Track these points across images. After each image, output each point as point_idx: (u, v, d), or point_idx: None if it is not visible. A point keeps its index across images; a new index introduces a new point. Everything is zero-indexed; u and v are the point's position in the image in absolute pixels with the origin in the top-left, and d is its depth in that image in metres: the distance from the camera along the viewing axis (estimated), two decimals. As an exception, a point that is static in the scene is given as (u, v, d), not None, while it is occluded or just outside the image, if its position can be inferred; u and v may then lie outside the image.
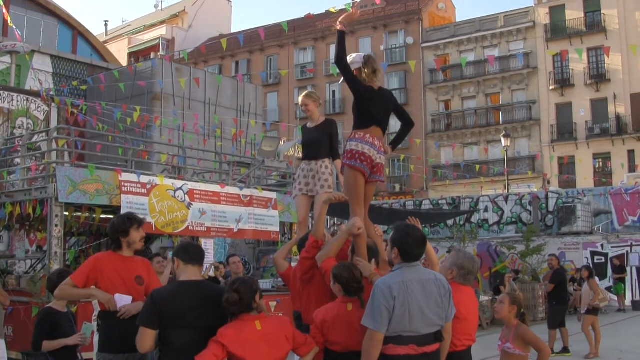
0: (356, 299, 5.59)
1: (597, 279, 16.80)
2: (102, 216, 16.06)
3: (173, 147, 20.40)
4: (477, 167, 36.94)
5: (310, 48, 63.48)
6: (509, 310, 7.08)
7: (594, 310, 16.06)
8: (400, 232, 5.34)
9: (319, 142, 8.63)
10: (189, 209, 15.74)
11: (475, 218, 34.97)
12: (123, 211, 13.52)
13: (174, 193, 15.48)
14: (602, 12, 51.26)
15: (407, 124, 7.40)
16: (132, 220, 6.41)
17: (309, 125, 8.84)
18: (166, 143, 20.32)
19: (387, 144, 7.11)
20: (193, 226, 15.86)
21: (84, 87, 23.03)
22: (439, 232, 35.04)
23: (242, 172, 18.38)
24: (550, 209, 32.96)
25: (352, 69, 6.95)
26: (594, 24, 51.49)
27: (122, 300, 6.07)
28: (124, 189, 14.39)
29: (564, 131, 52.29)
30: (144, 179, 14.89)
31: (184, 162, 17.02)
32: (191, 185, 16.01)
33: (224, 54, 64.15)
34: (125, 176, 14.56)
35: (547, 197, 33.49)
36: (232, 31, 71.35)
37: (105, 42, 59.12)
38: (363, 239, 6.26)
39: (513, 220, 34.16)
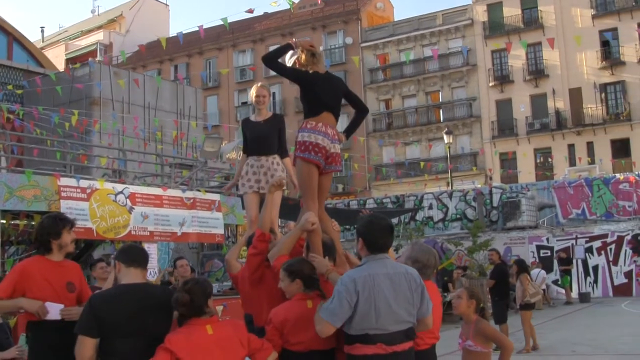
0: (316, 293, 5.31)
1: (545, 273, 16.80)
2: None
3: (113, 151, 19.90)
4: (422, 164, 36.95)
5: (249, 50, 63.00)
6: (467, 305, 6.79)
7: (526, 306, 15.91)
8: (364, 222, 5.09)
9: (269, 137, 8.31)
10: (130, 213, 15.34)
11: (419, 216, 34.92)
12: (62, 217, 13.05)
13: (115, 197, 15.06)
14: (538, 8, 51.80)
15: (361, 111, 6.97)
16: (64, 221, 5.84)
17: (255, 118, 8.47)
18: (105, 146, 19.79)
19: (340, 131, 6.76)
20: (136, 230, 15.47)
21: (19, 92, 22.34)
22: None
23: (184, 175, 17.98)
24: (495, 204, 33.08)
25: (293, 61, 6.69)
26: (532, 21, 52.00)
27: (52, 309, 5.51)
28: (63, 194, 13.93)
29: (505, 127, 52.67)
30: (84, 183, 14.46)
31: (125, 166, 16.55)
32: (132, 188, 15.63)
33: (162, 58, 63.44)
34: (64, 181, 14.11)
35: (491, 193, 33.63)
36: (170, 35, 70.56)
37: (42, 48, 57.83)
38: (317, 235, 5.93)
39: (458, 216, 34.20)
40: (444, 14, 56.05)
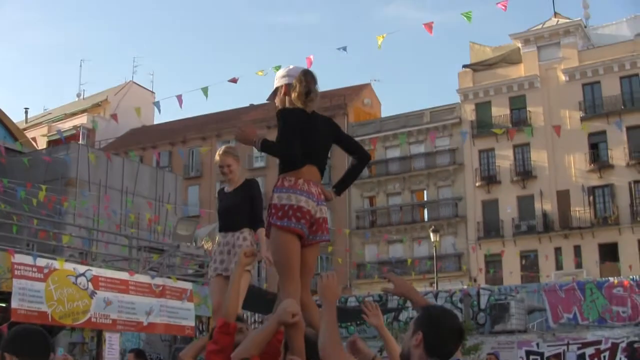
0: None
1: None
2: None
3: (75, 228, 18.54)
4: (409, 260, 35.84)
5: (233, 140, 62.30)
6: None
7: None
8: (430, 315, 3.64)
9: (237, 209, 7.09)
10: (92, 298, 14.03)
11: (403, 316, 33.50)
12: (14, 298, 11.75)
13: (76, 279, 13.76)
14: (527, 109, 51.56)
15: (361, 158, 5.56)
16: None
17: (227, 189, 7.34)
18: (70, 223, 18.49)
19: (328, 188, 5.48)
20: (96, 317, 14.12)
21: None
22: (366, 331, 33.40)
23: (154, 259, 16.69)
24: (482, 306, 31.79)
25: (282, 84, 5.46)
26: (520, 121, 51.58)
27: None
28: (16, 272, 12.63)
29: (491, 228, 51.77)
30: (41, 261, 13.16)
31: (89, 246, 15.26)
32: (96, 271, 14.35)
33: (145, 145, 62.64)
34: (18, 258, 12.81)
35: (478, 294, 32.36)
36: (155, 122, 70.13)
37: (25, 129, 57.11)
38: (299, 330, 4.43)
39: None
40: (432, 112, 55.71)
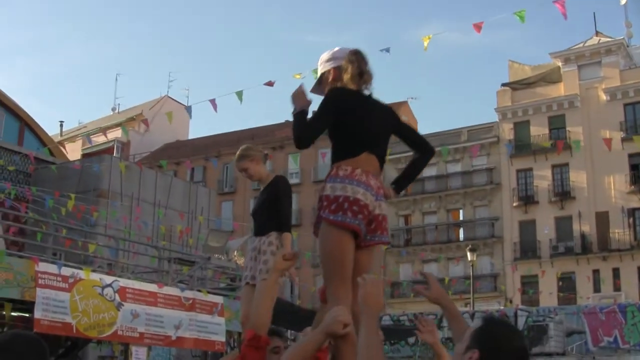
0: None
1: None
2: (13, 314, 13.64)
3: (104, 238, 18.10)
4: (446, 279, 35.09)
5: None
6: None
7: None
8: (491, 331, 2.95)
9: (262, 210, 6.50)
10: (118, 310, 13.54)
11: (439, 336, 32.77)
12: (37, 308, 11.32)
13: (102, 290, 13.29)
14: (566, 128, 50.67)
15: (424, 152, 4.94)
16: None
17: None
18: (99, 233, 18.06)
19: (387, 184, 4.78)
20: (123, 330, 13.64)
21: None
22: (399, 350, 32.84)
23: (184, 272, 16.21)
24: (520, 327, 30.99)
25: (329, 68, 4.79)
26: (559, 141, 50.77)
27: None
28: (40, 281, 12.19)
29: (527, 249, 50.87)
30: (66, 271, 12.72)
31: (116, 256, 14.83)
32: (123, 282, 13.87)
33: (179, 160, 62.60)
34: (42, 266, 12.39)
35: (516, 315, 31.57)
36: (189, 137, 70.15)
37: (60, 142, 57.21)
38: (351, 344, 3.67)
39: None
40: (469, 131, 54.96)
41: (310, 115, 4.59)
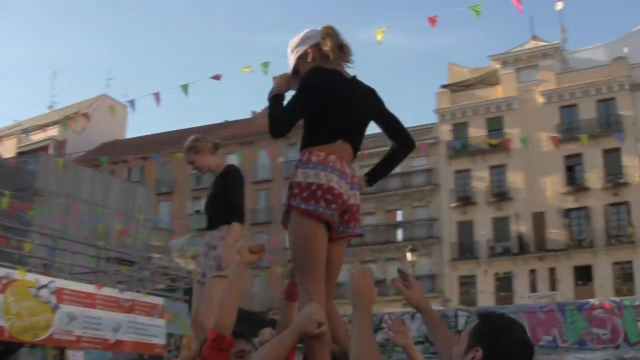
0: None
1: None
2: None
3: (39, 236, 17.53)
4: (389, 279, 35.09)
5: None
6: None
7: None
8: (495, 326, 2.75)
9: (214, 203, 6.16)
10: (54, 313, 13.12)
11: (379, 337, 32.72)
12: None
13: (37, 291, 12.87)
14: (504, 130, 51.26)
15: (404, 143, 4.56)
16: None
17: None
18: (33, 230, 17.50)
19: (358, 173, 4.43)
20: (59, 334, 13.24)
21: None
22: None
23: (123, 272, 15.83)
24: (460, 327, 31.09)
25: (304, 47, 4.31)
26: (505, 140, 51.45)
27: None
28: (-29, 283, 11.70)
29: (466, 250, 51.33)
30: None
31: (52, 255, 14.40)
32: (59, 283, 13.43)
33: (116, 159, 61.70)
34: (-27, 268, 11.89)
35: (456, 316, 31.61)
36: (127, 136, 69.33)
37: (-8, 140, 56.21)
38: (325, 344, 3.55)
39: (420, 339, 31.88)
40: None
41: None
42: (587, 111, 49.63)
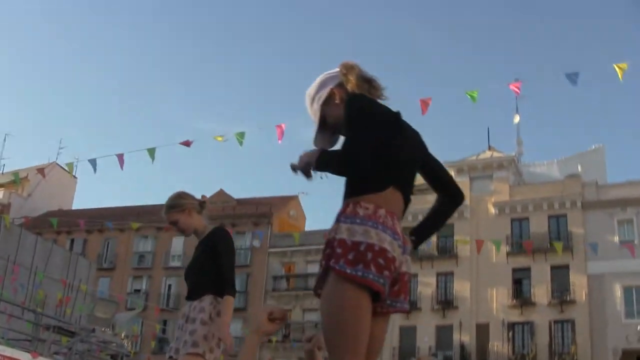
0: None
1: None
2: None
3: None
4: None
5: (151, 237, 60.27)
6: None
7: None
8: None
9: (195, 269, 5.48)
10: (-15, 380, 12.18)
11: None
12: None
13: (-32, 356, 11.94)
14: (454, 237, 51.22)
15: (454, 197, 3.76)
16: None
17: None
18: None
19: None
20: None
21: None
22: None
23: (63, 342, 14.95)
24: None
25: (326, 91, 3.56)
26: (446, 249, 51.26)
27: None
28: None
29: (406, 355, 50.46)
30: None
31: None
32: (-6, 347, 12.52)
33: (60, 229, 60.35)
34: None
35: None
36: (73, 207, 68.17)
37: None
38: None
39: None
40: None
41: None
42: (538, 225, 49.84)
